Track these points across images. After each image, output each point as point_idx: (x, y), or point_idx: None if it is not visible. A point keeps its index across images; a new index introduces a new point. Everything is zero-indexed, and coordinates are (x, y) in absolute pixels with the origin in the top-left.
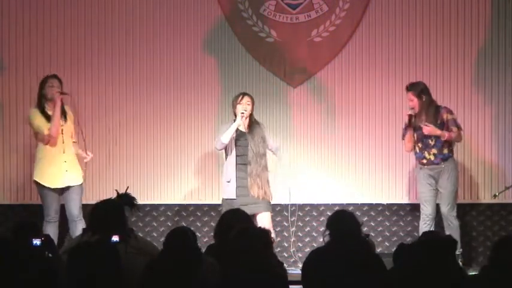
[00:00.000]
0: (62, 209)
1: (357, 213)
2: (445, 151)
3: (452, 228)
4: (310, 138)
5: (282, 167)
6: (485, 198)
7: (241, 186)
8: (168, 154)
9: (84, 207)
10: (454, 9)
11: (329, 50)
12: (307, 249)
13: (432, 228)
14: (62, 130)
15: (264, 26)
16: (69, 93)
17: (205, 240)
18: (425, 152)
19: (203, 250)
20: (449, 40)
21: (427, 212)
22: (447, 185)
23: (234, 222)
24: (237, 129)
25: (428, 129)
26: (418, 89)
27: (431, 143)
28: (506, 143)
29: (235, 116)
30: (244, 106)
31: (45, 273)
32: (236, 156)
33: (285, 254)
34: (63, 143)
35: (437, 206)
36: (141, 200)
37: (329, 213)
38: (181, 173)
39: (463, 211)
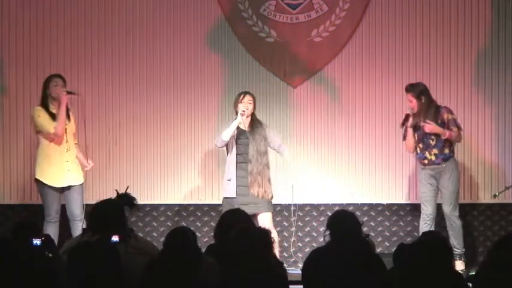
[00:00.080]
0: (63, 209)
1: (357, 213)
2: (446, 151)
3: (455, 228)
4: (310, 138)
5: (288, 166)
6: (485, 198)
7: (242, 185)
8: (168, 154)
9: (85, 207)
10: (454, 9)
11: (329, 50)
12: (307, 249)
13: (432, 228)
14: (66, 129)
15: (264, 26)
16: (78, 93)
17: (205, 240)
18: (427, 152)
19: (203, 250)
20: (449, 40)
21: (427, 212)
22: (449, 185)
23: (234, 222)
24: (238, 128)
25: (430, 126)
26: (418, 90)
27: (432, 143)
28: (506, 143)
29: (237, 115)
30: (245, 105)
31: (45, 273)
32: (237, 154)
33: (285, 254)
34: (66, 142)
35: (438, 206)
36: (141, 200)
37: (329, 213)
38: (181, 173)
39: (463, 211)
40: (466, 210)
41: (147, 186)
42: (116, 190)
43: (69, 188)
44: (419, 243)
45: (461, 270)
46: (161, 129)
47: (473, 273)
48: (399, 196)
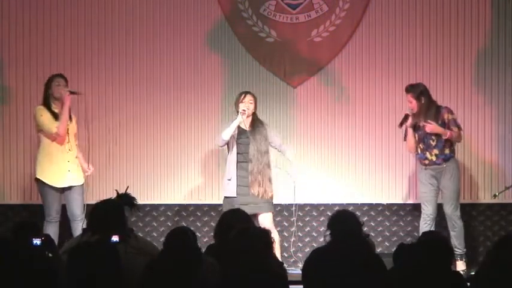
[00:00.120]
0: (63, 209)
1: (357, 213)
2: (447, 151)
3: (456, 228)
4: (310, 138)
5: (290, 165)
6: (485, 198)
7: (242, 185)
8: (168, 154)
9: (85, 207)
10: (454, 9)
11: (329, 50)
12: (307, 249)
13: (433, 228)
14: (68, 129)
15: (264, 26)
16: (81, 92)
17: (205, 240)
18: (427, 153)
19: (203, 250)
20: (449, 40)
21: (428, 212)
22: (450, 185)
23: (234, 222)
24: (239, 127)
25: (431, 126)
26: (417, 91)
27: (433, 143)
28: (506, 143)
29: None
30: (246, 104)
31: (45, 273)
32: (237, 154)
33: (285, 254)
34: (67, 142)
35: (439, 207)
36: (141, 200)
37: (329, 213)
38: (181, 173)
39: (463, 211)
40: (466, 210)
41: (147, 186)
42: (116, 190)
43: (69, 188)
44: (419, 243)
45: (463, 271)
46: (161, 129)
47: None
48: (399, 196)
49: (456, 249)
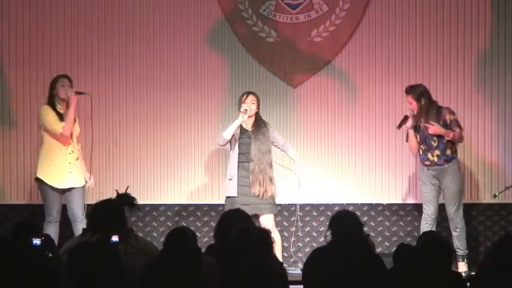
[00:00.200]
0: (63, 209)
1: (357, 213)
2: (448, 152)
3: (458, 229)
4: (310, 138)
5: (294, 164)
6: (485, 198)
7: (243, 185)
8: (168, 154)
9: (86, 207)
10: (454, 9)
11: (329, 50)
12: (307, 249)
13: (434, 229)
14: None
15: (264, 26)
16: (88, 93)
17: (205, 240)
18: (429, 154)
19: (203, 250)
20: (449, 40)
21: (429, 212)
22: (452, 185)
23: (234, 222)
24: (241, 127)
25: (433, 128)
26: (417, 92)
27: (434, 144)
28: (507, 143)
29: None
30: (247, 105)
31: (45, 273)
32: (239, 154)
33: (285, 254)
34: (70, 144)
35: (440, 207)
36: (141, 200)
37: (329, 213)
38: (181, 173)
39: (463, 211)
40: (466, 210)
41: (147, 186)
42: (116, 190)
43: (70, 189)
44: (419, 243)
45: (464, 272)
46: (161, 129)
47: (473, 273)
48: (399, 196)
49: (458, 250)
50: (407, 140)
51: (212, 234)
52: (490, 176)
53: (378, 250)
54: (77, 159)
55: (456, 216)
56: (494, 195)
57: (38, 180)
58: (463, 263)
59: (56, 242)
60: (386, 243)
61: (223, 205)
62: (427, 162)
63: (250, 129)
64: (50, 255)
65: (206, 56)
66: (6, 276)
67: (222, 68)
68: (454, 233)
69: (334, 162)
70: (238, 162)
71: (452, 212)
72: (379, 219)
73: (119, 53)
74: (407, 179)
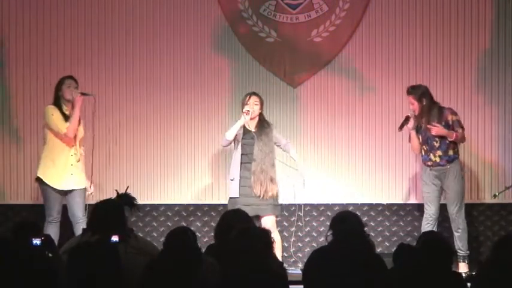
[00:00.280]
0: (64, 209)
1: (357, 213)
2: (451, 152)
3: (460, 230)
4: (310, 138)
5: (296, 163)
6: (486, 198)
7: (245, 186)
8: (168, 154)
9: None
10: (454, 9)
11: (329, 50)
12: (307, 249)
13: (435, 229)
14: (75, 134)
15: (264, 26)
16: (93, 94)
17: (205, 240)
18: (431, 154)
19: (203, 250)
20: (450, 40)
21: (430, 212)
22: (454, 186)
23: (235, 223)
24: (245, 128)
25: (436, 129)
26: (419, 93)
27: (436, 145)
28: (507, 143)
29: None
30: (250, 106)
31: (45, 273)
32: (242, 154)
33: (285, 254)
34: (73, 146)
35: (442, 208)
36: (141, 200)
37: (329, 213)
38: (181, 173)
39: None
40: (467, 210)
41: (147, 186)
42: (116, 190)
43: (71, 191)
44: (419, 243)
45: (465, 273)
46: (161, 129)
47: (474, 273)
48: (399, 196)
49: (459, 251)
50: (409, 141)
51: (212, 234)
52: (490, 176)
53: (378, 250)
54: (78, 161)
55: (458, 217)
56: (494, 195)
57: (38, 180)
58: (464, 263)
59: (56, 242)
60: (386, 243)
61: (223, 205)
62: (429, 163)
63: (253, 130)
64: (50, 255)
65: (206, 56)
66: (6, 276)
67: (222, 68)
68: (456, 234)
69: (334, 162)
70: (241, 163)
71: (454, 213)
72: (379, 219)
73: (119, 53)
74: (407, 179)
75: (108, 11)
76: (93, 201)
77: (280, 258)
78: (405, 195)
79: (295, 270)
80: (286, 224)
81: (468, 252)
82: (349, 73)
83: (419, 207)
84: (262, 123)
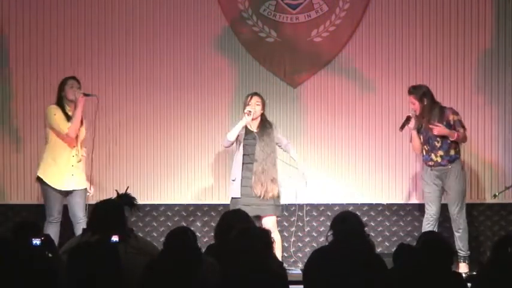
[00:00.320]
0: (64, 209)
1: (357, 213)
2: (452, 152)
3: (460, 230)
4: (310, 138)
5: (296, 164)
6: (486, 198)
7: (246, 186)
8: (168, 154)
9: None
10: (454, 9)
11: (329, 50)
12: (307, 249)
13: (435, 229)
14: (77, 134)
15: (264, 26)
16: (96, 95)
17: (205, 240)
18: (432, 154)
19: (203, 250)
20: (450, 40)
21: (431, 212)
22: (455, 186)
23: (235, 222)
24: (247, 128)
25: (438, 129)
26: (420, 93)
27: (438, 144)
28: (507, 143)
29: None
30: (252, 106)
31: (45, 273)
32: (243, 155)
33: (285, 254)
34: (75, 146)
35: (442, 208)
36: (141, 200)
37: (329, 213)
38: (181, 173)
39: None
40: (466, 210)
41: (147, 186)
42: (116, 190)
43: (71, 191)
44: (419, 243)
45: (465, 273)
46: (161, 130)
47: (474, 273)
48: (399, 196)
49: (460, 251)
50: (410, 141)
51: (212, 234)
52: (490, 176)
53: (378, 250)
54: (79, 162)
55: (459, 217)
56: (494, 195)
57: (39, 180)
58: (465, 264)
59: (57, 242)
60: (386, 243)
61: (223, 205)
62: (430, 163)
63: (255, 131)
64: (50, 255)
65: (206, 56)
66: (6, 276)
67: (222, 68)
68: (456, 234)
69: (334, 162)
70: (243, 163)
71: (455, 213)
72: (379, 219)
73: (119, 53)
74: (407, 179)
75: (108, 11)
76: (93, 201)
77: (280, 258)
78: (405, 195)
79: (295, 270)
80: (286, 224)
81: (469, 252)
82: (349, 73)
83: (420, 207)
84: (264, 124)
